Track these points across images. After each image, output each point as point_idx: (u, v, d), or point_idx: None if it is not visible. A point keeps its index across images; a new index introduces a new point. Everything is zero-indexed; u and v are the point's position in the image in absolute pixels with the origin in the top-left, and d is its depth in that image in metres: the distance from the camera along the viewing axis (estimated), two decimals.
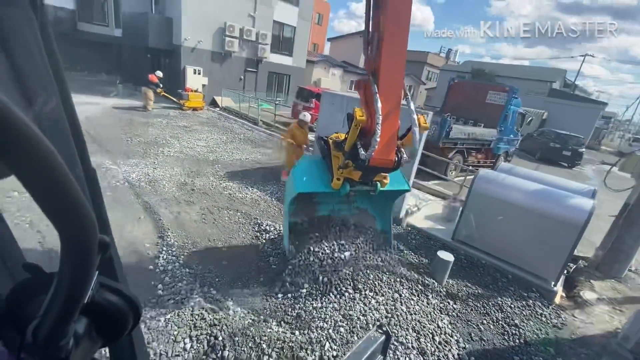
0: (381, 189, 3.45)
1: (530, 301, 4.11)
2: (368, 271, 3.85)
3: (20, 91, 0.34)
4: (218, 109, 15.70)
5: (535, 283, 4.40)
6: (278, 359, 2.64)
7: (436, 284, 4.06)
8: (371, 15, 3.06)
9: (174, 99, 13.66)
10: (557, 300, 4.31)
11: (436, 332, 3.28)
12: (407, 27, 2.87)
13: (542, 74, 30.34)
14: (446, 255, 4.11)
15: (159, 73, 12.70)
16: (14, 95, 0.31)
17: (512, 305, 3.97)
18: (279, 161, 8.50)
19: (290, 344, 2.77)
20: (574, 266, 5.10)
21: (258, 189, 6.37)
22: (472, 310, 3.79)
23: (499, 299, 4.05)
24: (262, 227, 4.87)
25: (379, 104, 2.76)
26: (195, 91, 13.98)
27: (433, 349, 3.06)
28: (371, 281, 3.72)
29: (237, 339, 2.70)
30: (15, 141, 0.25)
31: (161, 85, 12.69)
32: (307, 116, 6.52)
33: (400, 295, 3.66)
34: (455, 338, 3.29)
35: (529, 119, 12.46)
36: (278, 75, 19.38)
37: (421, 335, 3.18)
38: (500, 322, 3.68)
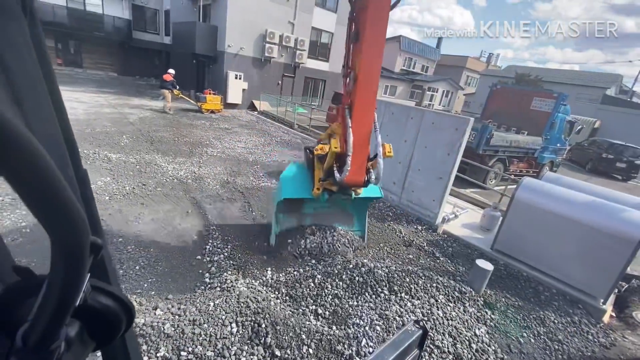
0: (356, 196, 3.90)
1: (576, 318, 3.91)
2: (404, 274, 3.89)
3: (8, 91, 0.33)
4: (256, 112, 16.33)
5: (582, 299, 4.18)
6: (317, 349, 2.78)
7: (473, 292, 3.99)
8: (350, 55, 3.47)
9: (192, 101, 14.10)
10: (606, 319, 4.06)
11: (473, 339, 3.24)
12: (378, 71, 3.32)
13: (594, 80, 28.26)
14: (485, 264, 4.04)
15: (172, 71, 12.70)
16: (1, 95, 0.30)
17: (556, 321, 3.81)
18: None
19: (328, 337, 2.90)
20: (627, 285, 4.76)
21: None
22: (511, 322, 3.69)
23: (541, 312, 3.90)
24: None
25: (351, 138, 3.20)
26: (214, 94, 14.17)
27: (470, 356, 3.04)
28: (407, 284, 3.76)
29: (278, 327, 2.87)
30: (2, 140, 0.24)
31: (177, 86, 12.64)
32: None
33: (437, 301, 3.65)
34: (493, 348, 3.23)
35: (579, 127, 11.70)
36: (314, 80, 19.76)
37: (457, 341, 3.17)
38: (542, 337, 3.55)
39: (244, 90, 16.17)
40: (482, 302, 3.89)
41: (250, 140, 10.55)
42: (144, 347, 2.54)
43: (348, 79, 3.54)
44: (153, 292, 3.29)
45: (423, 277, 3.98)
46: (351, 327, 3.09)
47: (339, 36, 19.47)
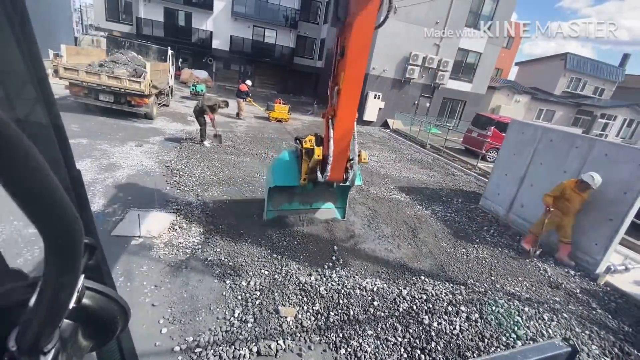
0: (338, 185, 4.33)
1: None
2: (550, 312, 3.59)
3: (0, 92, 0.32)
4: (389, 130, 16.97)
5: None
6: None
7: None
8: (336, 67, 3.71)
9: (261, 108, 14.95)
10: None
11: None
12: (360, 86, 3.59)
13: None
14: None
15: (249, 82, 13.95)
16: None
17: None
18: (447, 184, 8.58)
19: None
20: None
21: (423, 206, 6.74)
22: None
23: None
24: (416, 235, 5.23)
25: (332, 148, 3.69)
26: (283, 104, 14.54)
27: None
28: (546, 322, 3.46)
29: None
30: None
31: (250, 95, 13.77)
32: (594, 178, 4.65)
33: (589, 350, 3.23)
34: None
35: None
36: (452, 101, 19.04)
37: None
38: None
39: (380, 109, 17.09)
40: None
41: (382, 155, 11.15)
42: (305, 299, 3.32)
43: (332, 91, 3.81)
44: (307, 263, 4.13)
45: (565, 319, 3.56)
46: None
47: (488, 56, 18.25)
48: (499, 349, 3.12)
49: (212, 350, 2.69)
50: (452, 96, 18.75)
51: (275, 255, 4.13)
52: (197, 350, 2.68)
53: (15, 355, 0.37)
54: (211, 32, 24.34)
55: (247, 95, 13.69)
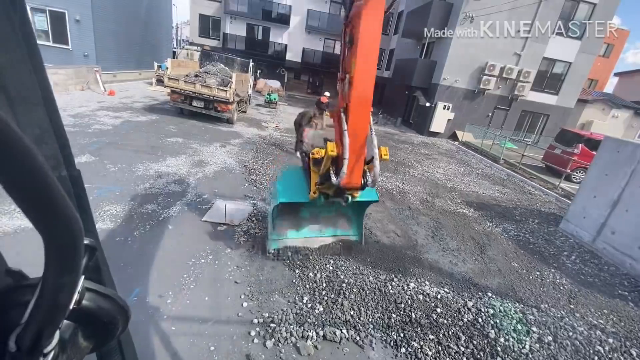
0: (352, 200, 3.73)
1: None
2: None
3: (0, 92, 0.32)
4: (457, 142, 16.22)
5: None
6: None
7: None
8: (345, 56, 3.40)
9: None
10: None
11: None
12: (373, 74, 3.20)
13: None
14: None
15: (327, 93, 13.77)
16: None
17: None
18: (514, 202, 7.98)
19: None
20: None
21: (493, 224, 6.40)
22: None
23: None
24: (484, 252, 5.00)
25: (347, 141, 3.15)
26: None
27: None
28: None
29: None
30: None
31: (328, 107, 13.62)
32: None
33: None
34: None
35: None
36: (532, 114, 17.43)
37: None
38: None
39: (449, 120, 16.44)
40: None
41: (449, 168, 10.76)
42: (366, 298, 3.51)
43: (342, 82, 3.48)
44: (370, 266, 4.31)
45: None
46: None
47: (580, 66, 16.37)
48: None
49: (284, 327, 3.04)
50: (533, 109, 17.16)
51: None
52: (272, 325, 3.05)
53: (16, 356, 0.37)
54: (286, 45, 26.09)
55: (327, 107, 14.26)
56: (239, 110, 12.61)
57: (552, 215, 7.45)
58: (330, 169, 3.51)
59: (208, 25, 26.09)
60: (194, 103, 10.48)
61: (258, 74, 24.35)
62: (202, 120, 10.99)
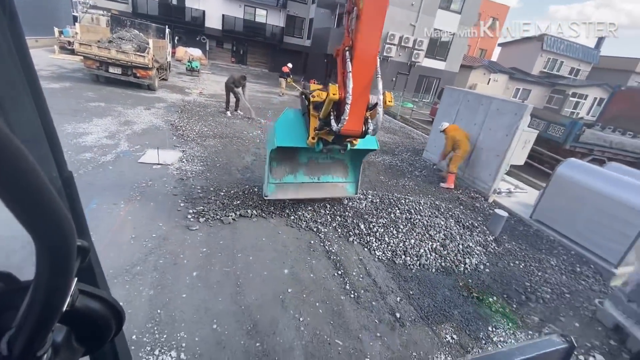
0: (351, 147, 3.79)
1: (578, 269, 4.68)
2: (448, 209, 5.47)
3: None
4: None
5: (594, 261, 4.82)
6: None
7: (488, 231, 5.21)
8: None
9: (298, 87, 17.14)
10: (614, 282, 4.63)
11: (468, 252, 4.66)
12: (385, 7, 2.91)
13: None
14: (501, 212, 5.19)
15: (290, 65, 15.83)
16: None
17: (554, 264, 4.71)
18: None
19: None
20: None
21: (375, 157, 8.53)
22: (509, 254, 4.82)
23: (544, 257, 4.84)
24: (363, 172, 7.06)
25: (351, 84, 2.92)
26: (317, 83, 16.92)
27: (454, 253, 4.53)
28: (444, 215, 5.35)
29: None
30: None
31: (290, 75, 15.79)
32: (442, 125, 7.48)
33: (460, 230, 5.14)
34: (479, 260, 4.56)
35: None
36: (428, 78, 20.65)
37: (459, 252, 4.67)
38: (532, 268, 4.58)
39: None
40: (492, 239, 5.10)
41: None
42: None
43: (349, 16, 3.20)
44: None
45: (455, 217, 5.46)
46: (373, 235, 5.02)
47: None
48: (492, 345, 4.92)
49: (211, 212, 4.50)
50: (427, 74, 20.34)
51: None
52: (202, 213, 4.48)
53: (8, 359, 0.37)
54: (204, 11, 25.27)
55: (288, 75, 15.66)
56: (159, 78, 12.82)
57: (422, 151, 9.98)
58: (331, 113, 3.27)
59: None
60: (111, 69, 10.57)
61: (176, 41, 23.46)
62: (121, 86, 11.10)
